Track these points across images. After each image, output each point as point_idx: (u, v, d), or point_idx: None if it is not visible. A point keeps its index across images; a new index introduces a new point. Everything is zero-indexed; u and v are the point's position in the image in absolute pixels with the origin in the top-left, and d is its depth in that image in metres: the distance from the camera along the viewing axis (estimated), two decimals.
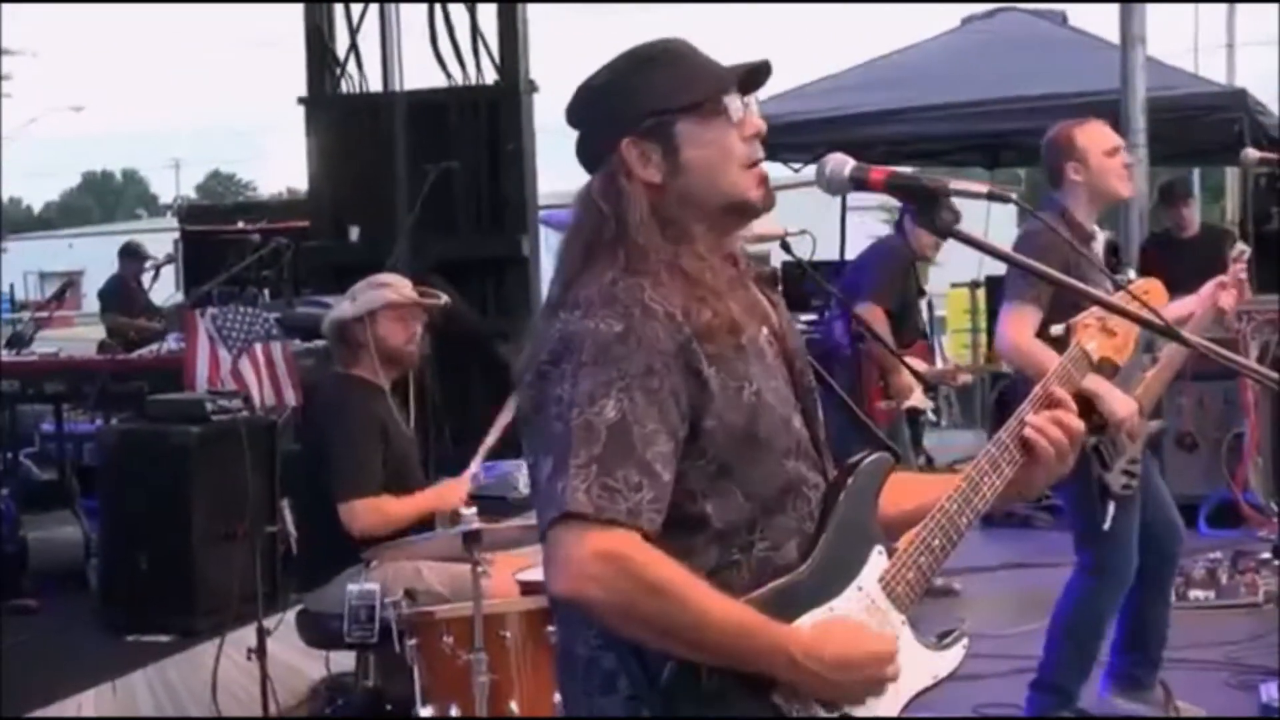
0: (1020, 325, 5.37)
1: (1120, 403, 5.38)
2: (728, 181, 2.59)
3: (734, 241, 2.68)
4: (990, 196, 2.63)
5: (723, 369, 2.51)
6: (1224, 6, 28.50)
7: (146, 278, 13.49)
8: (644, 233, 2.55)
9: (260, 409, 7.31)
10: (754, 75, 2.64)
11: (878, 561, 2.60)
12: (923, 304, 9.87)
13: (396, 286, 5.72)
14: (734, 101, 2.60)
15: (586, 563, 2.36)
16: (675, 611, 2.38)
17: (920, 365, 8.44)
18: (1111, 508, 5.55)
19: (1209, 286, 5.89)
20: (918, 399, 8.38)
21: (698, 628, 2.38)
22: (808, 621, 2.48)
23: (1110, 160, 5.66)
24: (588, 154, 2.65)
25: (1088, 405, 5.37)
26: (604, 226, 2.57)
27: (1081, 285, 2.74)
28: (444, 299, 6.06)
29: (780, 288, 2.81)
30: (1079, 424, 2.74)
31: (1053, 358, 2.88)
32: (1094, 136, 5.70)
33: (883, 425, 8.42)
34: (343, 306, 5.68)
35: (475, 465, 5.62)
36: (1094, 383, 5.18)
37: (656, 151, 2.58)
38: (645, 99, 2.59)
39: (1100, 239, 5.81)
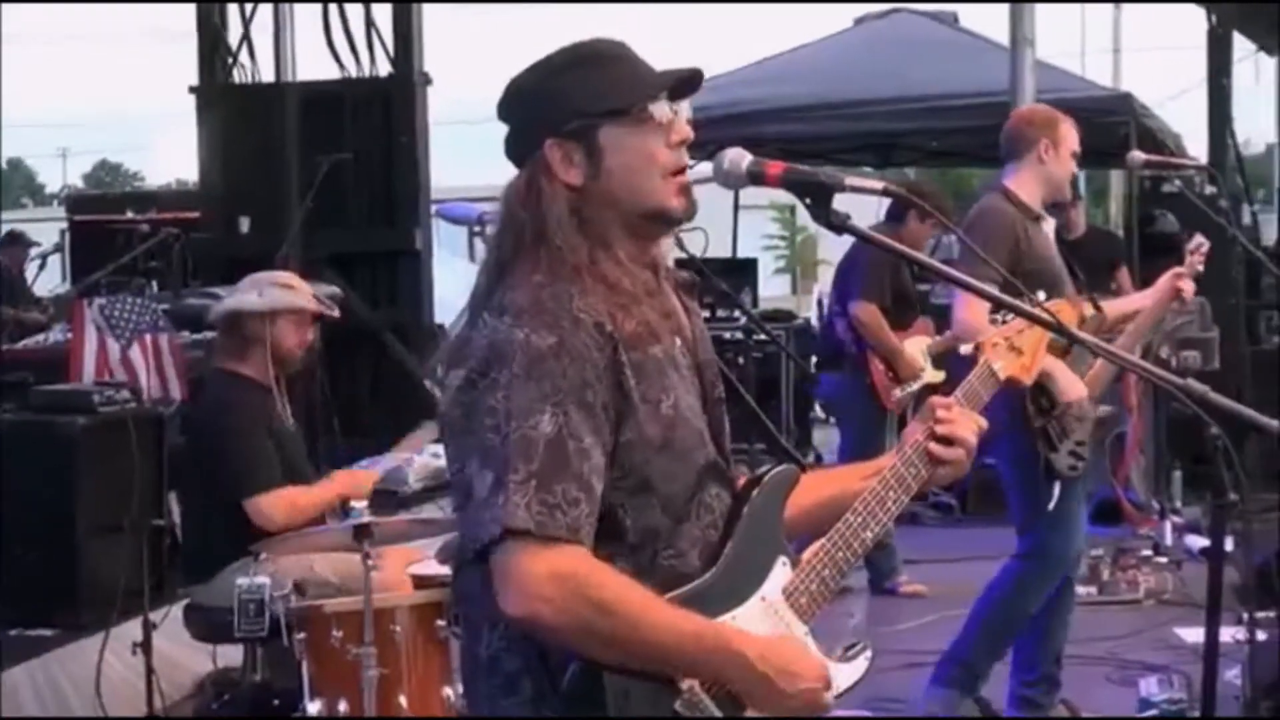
0: (975, 307, 5.39)
1: (1071, 386, 5.45)
2: (648, 189, 2.59)
3: (655, 247, 2.68)
4: (886, 192, 2.66)
5: (644, 381, 2.51)
6: (1110, 13, 28.96)
7: (32, 267, 13.30)
8: (562, 235, 2.54)
9: (148, 400, 7.22)
10: (684, 83, 2.64)
11: (782, 572, 2.61)
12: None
13: (301, 291, 5.70)
14: (661, 108, 2.59)
15: (539, 583, 2.37)
16: (629, 628, 2.39)
17: (925, 341, 8.50)
18: (1057, 489, 5.60)
19: (1165, 279, 5.95)
20: (929, 375, 8.42)
21: (652, 642, 2.40)
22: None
23: (1072, 161, 5.77)
24: (514, 151, 2.64)
25: (1038, 387, 5.45)
26: (525, 227, 2.56)
27: (984, 288, 2.75)
28: (335, 309, 6.02)
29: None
30: (979, 421, 2.77)
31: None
32: (1072, 134, 5.80)
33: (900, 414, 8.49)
34: (245, 298, 5.61)
35: (384, 464, 5.58)
36: (1047, 364, 5.27)
37: (579, 153, 2.57)
38: (572, 100, 2.58)
39: (1050, 224, 5.87)
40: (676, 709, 2.45)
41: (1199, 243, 6.22)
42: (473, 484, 2.44)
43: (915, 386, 8.36)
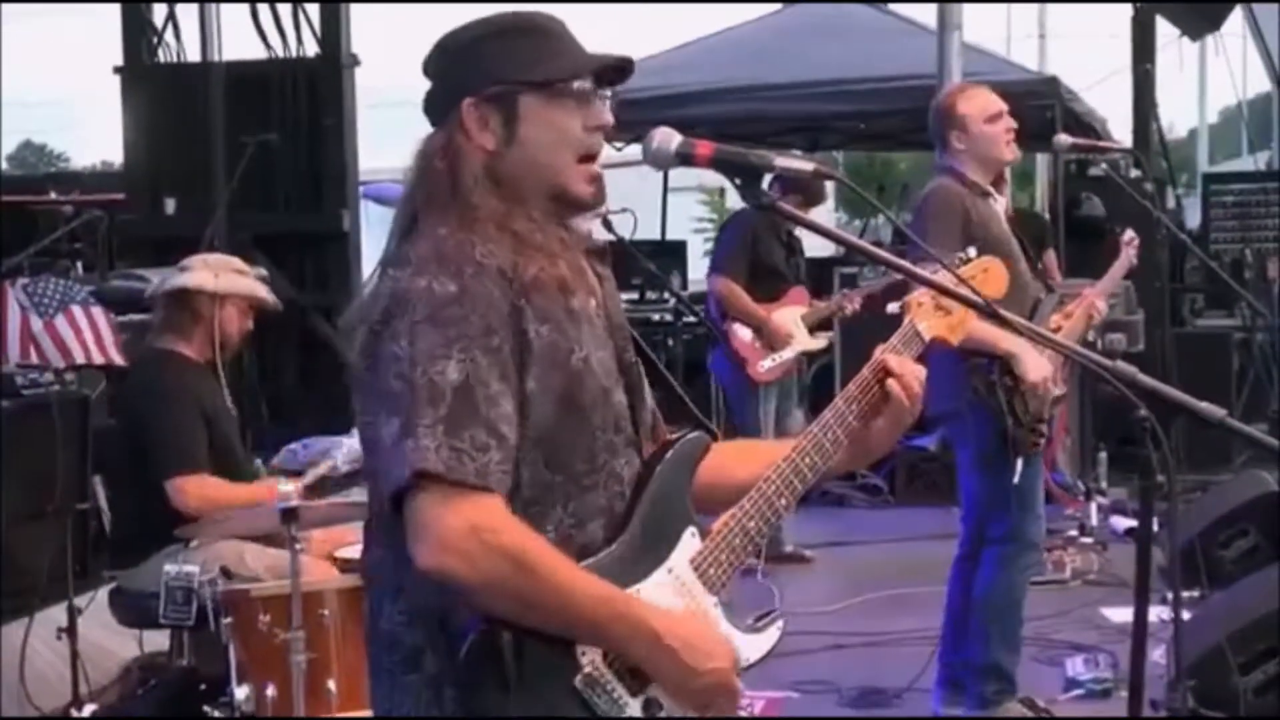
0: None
1: (1035, 366, 5.45)
2: (558, 167, 2.57)
3: (563, 220, 2.64)
4: (816, 174, 2.64)
5: (553, 331, 2.48)
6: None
7: None
8: (477, 193, 2.52)
9: (79, 368, 7.13)
10: (613, 70, 2.63)
11: (690, 543, 2.57)
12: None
13: (254, 279, 5.73)
14: (583, 87, 2.58)
15: (456, 536, 2.32)
16: (540, 587, 2.35)
17: (799, 310, 8.54)
18: (1020, 465, 5.60)
19: (1081, 307, 6.01)
20: (805, 342, 8.45)
21: (562, 603, 2.36)
22: None
23: (991, 126, 5.71)
24: (434, 107, 2.63)
25: (1002, 364, 5.47)
26: (438, 184, 2.54)
27: (909, 266, 2.73)
28: (262, 273, 6.01)
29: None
30: (919, 369, 2.76)
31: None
32: (975, 103, 5.75)
33: (774, 384, 8.49)
34: (199, 275, 5.53)
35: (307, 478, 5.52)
36: (1012, 344, 5.32)
37: (496, 118, 2.56)
38: (496, 65, 2.56)
39: (1001, 202, 5.87)
40: (576, 685, 2.42)
41: (1131, 236, 6.27)
42: (380, 433, 2.39)
43: (787, 355, 8.36)
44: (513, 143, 2.56)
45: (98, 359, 7.17)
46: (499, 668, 2.37)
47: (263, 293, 5.72)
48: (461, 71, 2.59)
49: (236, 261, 5.84)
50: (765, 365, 8.35)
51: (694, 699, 2.48)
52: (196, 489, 5.22)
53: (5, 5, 12.19)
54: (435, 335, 2.38)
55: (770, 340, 8.37)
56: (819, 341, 8.75)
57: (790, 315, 8.48)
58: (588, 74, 2.59)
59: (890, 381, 2.72)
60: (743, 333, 8.41)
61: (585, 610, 2.38)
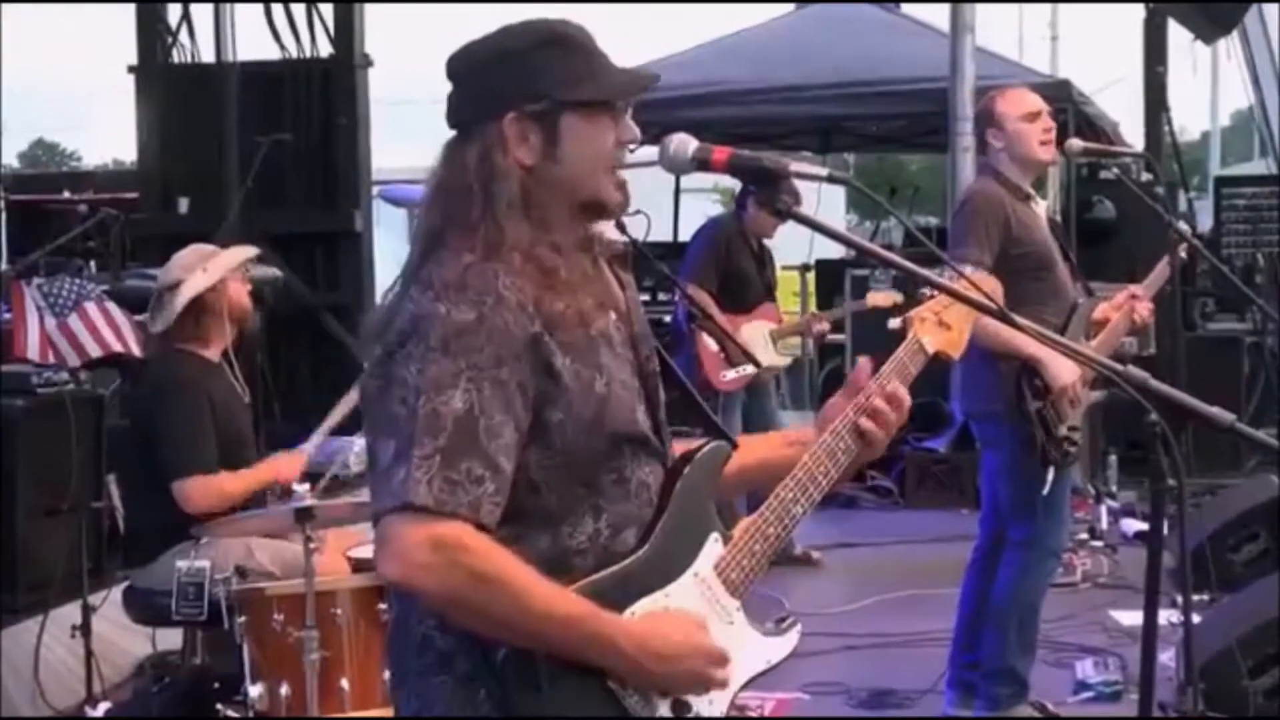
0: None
1: (1064, 370, 5.42)
2: (595, 181, 2.60)
3: (587, 233, 2.68)
4: (830, 179, 2.65)
5: (576, 360, 2.50)
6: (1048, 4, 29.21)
7: None
8: (508, 215, 2.52)
9: (94, 365, 7.16)
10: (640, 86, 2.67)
11: (714, 548, 2.62)
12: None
13: (228, 250, 5.76)
14: (620, 105, 2.61)
15: (418, 550, 2.36)
16: (503, 601, 2.37)
17: (767, 325, 8.55)
18: (1051, 475, 5.58)
19: (1122, 303, 5.90)
20: (771, 358, 8.44)
21: (526, 618, 2.38)
22: (641, 609, 2.50)
23: (1028, 125, 5.72)
24: (465, 115, 2.61)
25: (1032, 372, 5.46)
26: (469, 202, 2.54)
27: (921, 270, 2.73)
28: (276, 273, 6.04)
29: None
30: (906, 400, 2.78)
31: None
32: (1011, 103, 5.77)
33: (736, 394, 8.49)
34: (193, 282, 5.49)
35: (314, 439, 5.56)
36: (1037, 349, 5.30)
37: (537, 134, 2.56)
38: (541, 81, 2.56)
39: (1042, 205, 5.87)
40: (610, 685, 2.46)
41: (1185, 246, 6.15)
42: (378, 454, 2.44)
43: (749, 369, 8.35)
44: (552, 160, 2.57)
45: (115, 347, 7.18)
46: (534, 668, 2.41)
47: (248, 252, 5.81)
48: (502, 84, 2.57)
49: (205, 247, 5.83)
50: (728, 375, 8.33)
51: (670, 694, 2.52)
52: (203, 489, 5.23)
53: (19, 3, 12.20)
54: (446, 364, 2.40)
55: (734, 353, 8.34)
56: (784, 359, 8.76)
57: (758, 330, 8.49)
58: (627, 95, 2.62)
59: (863, 422, 2.74)
60: (708, 340, 8.40)
61: (549, 628, 2.40)
